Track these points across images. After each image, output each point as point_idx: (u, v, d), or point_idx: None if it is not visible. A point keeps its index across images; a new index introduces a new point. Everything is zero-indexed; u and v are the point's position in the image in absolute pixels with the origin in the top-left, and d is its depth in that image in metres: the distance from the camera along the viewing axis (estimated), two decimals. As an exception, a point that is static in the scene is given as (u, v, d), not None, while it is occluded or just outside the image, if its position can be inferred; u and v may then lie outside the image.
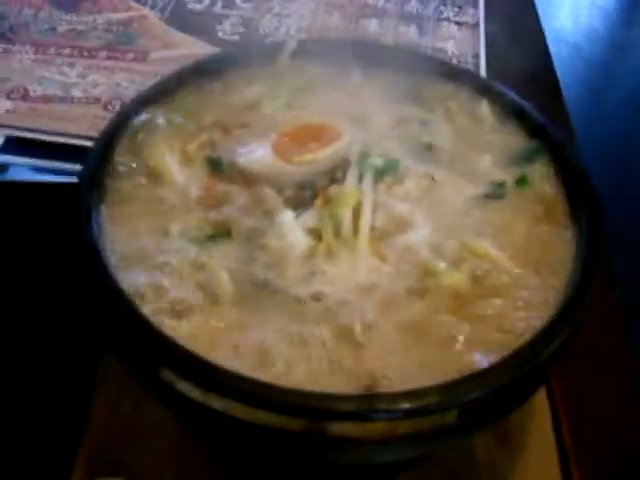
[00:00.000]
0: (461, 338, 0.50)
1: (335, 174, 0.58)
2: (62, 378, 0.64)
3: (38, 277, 0.71)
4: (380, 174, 0.58)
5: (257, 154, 0.59)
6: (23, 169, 0.81)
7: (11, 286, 0.71)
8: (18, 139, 0.83)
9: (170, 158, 0.60)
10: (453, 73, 0.68)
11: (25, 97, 0.88)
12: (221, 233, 0.55)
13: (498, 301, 0.53)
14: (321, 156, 0.59)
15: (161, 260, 0.53)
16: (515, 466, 0.60)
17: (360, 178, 0.57)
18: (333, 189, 0.56)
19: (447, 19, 1.07)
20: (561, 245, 0.56)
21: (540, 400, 0.64)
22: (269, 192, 0.57)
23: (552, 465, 0.61)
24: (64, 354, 0.66)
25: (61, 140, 0.83)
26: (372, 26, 1.03)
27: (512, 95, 0.66)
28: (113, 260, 0.52)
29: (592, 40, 2.19)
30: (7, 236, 0.73)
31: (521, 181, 0.60)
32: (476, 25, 1.07)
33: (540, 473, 0.60)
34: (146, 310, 0.49)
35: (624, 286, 0.77)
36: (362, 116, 0.64)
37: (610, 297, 0.74)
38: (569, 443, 0.63)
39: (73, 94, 0.89)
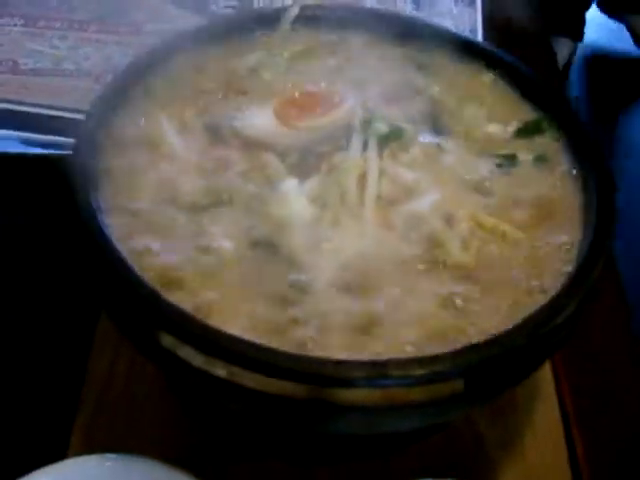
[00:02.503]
0: (470, 306, 0.49)
1: (338, 141, 0.57)
2: (57, 347, 0.63)
3: (30, 248, 0.69)
4: (385, 141, 0.57)
5: (258, 120, 0.58)
6: (14, 142, 0.79)
7: (4, 257, 0.69)
8: (8, 112, 0.81)
9: (168, 124, 0.58)
10: (458, 42, 0.66)
11: (15, 70, 0.86)
12: (222, 200, 0.53)
13: (508, 271, 0.51)
14: (324, 122, 0.58)
15: (160, 227, 0.51)
16: (522, 438, 0.59)
17: (364, 145, 0.56)
18: (338, 156, 0.55)
19: (444, -6, 1.05)
20: (571, 213, 0.55)
21: (545, 375, 0.63)
22: (271, 158, 0.55)
23: (558, 436, 0.60)
24: (59, 324, 0.64)
25: (52, 113, 0.81)
26: (369, 1, 1.01)
27: (519, 64, 0.64)
28: (111, 227, 0.50)
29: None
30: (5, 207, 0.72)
31: (538, 158, 0.59)
32: (473, 1, 1.06)
33: (546, 444, 0.59)
34: (144, 276, 0.47)
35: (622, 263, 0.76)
36: (365, 83, 0.62)
37: (611, 273, 0.73)
38: (572, 415, 0.62)
39: (64, 67, 0.87)
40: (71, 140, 0.74)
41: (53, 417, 0.59)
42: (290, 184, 0.53)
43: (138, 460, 0.52)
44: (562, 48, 2.07)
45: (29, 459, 0.53)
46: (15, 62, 0.86)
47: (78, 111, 0.80)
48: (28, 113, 0.81)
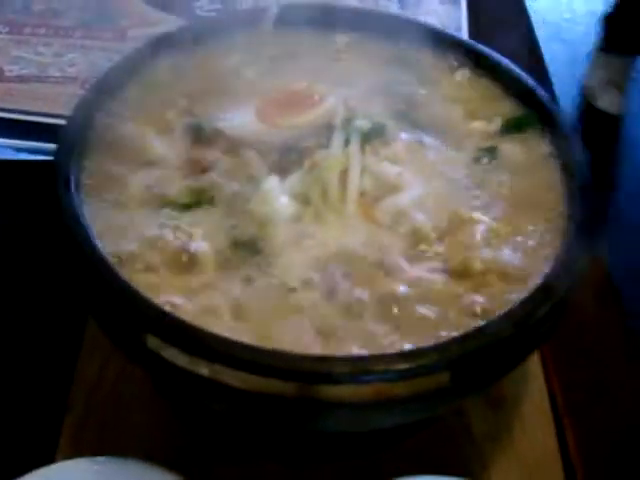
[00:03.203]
0: (458, 300, 0.49)
1: (320, 138, 0.57)
2: (46, 350, 0.63)
3: (16, 253, 0.69)
4: (367, 137, 0.57)
5: (240, 119, 0.58)
6: (0, 149, 0.79)
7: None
8: (-5, 119, 0.81)
9: (150, 126, 0.58)
10: (439, 38, 0.66)
11: (0, 77, 0.86)
12: (204, 200, 0.53)
13: (492, 263, 0.51)
14: (305, 120, 0.58)
15: (143, 229, 0.51)
16: (511, 431, 0.59)
17: (346, 142, 0.56)
18: (319, 153, 0.55)
19: (428, -7, 1.06)
20: (554, 205, 0.55)
21: (534, 366, 0.63)
22: (253, 156, 0.55)
23: (548, 429, 0.60)
24: (48, 327, 0.64)
25: (38, 119, 0.81)
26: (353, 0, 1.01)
27: (502, 60, 0.64)
28: (93, 228, 0.50)
29: (571, 21, 2.18)
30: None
31: (519, 152, 0.59)
32: (457, 0, 1.06)
33: (536, 436, 0.59)
34: (126, 277, 0.47)
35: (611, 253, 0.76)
36: (346, 81, 0.63)
37: (599, 265, 0.73)
38: (562, 408, 0.62)
39: (49, 73, 0.87)
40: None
41: (42, 420, 0.58)
42: (272, 182, 0.53)
43: (127, 462, 0.52)
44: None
45: (18, 462, 0.53)
46: (1, 69, 0.87)
47: (64, 117, 0.80)
48: (14, 120, 0.81)
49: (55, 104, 0.83)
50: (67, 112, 0.79)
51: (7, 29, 0.92)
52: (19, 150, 0.78)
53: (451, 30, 0.99)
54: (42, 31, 0.93)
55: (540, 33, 1.10)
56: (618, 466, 0.61)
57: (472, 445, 0.59)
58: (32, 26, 0.93)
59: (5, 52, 0.89)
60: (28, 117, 0.82)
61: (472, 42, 0.67)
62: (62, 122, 0.78)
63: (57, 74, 0.87)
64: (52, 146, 0.76)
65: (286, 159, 0.55)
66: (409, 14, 1.01)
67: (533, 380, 0.63)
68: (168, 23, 0.94)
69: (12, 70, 0.87)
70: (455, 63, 0.66)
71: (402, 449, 0.57)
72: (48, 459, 0.55)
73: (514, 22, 1.07)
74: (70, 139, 0.55)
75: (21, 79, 0.86)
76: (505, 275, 0.51)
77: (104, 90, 0.59)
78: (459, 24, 1.02)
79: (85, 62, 0.88)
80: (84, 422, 0.58)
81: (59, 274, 0.59)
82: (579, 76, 2.05)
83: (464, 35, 0.99)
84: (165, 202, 0.53)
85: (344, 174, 0.54)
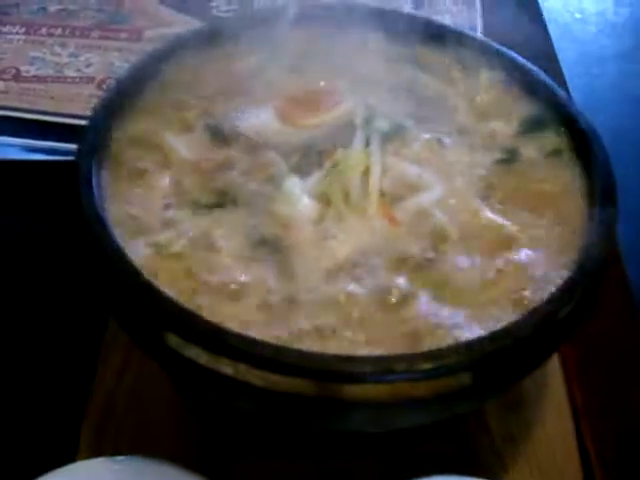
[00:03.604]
0: (479, 298, 0.49)
1: (340, 138, 0.57)
2: (66, 351, 0.63)
3: (36, 253, 0.70)
4: (387, 137, 0.57)
5: (260, 119, 0.58)
6: (16, 149, 0.79)
7: (12, 259, 0.69)
8: (11, 119, 0.82)
9: (171, 127, 0.58)
10: (457, 38, 0.66)
11: (17, 77, 0.86)
12: (225, 200, 0.54)
13: (512, 264, 0.51)
14: (325, 119, 0.58)
15: (164, 228, 0.52)
16: (531, 433, 0.59)
17: (366, 142, 0.56)
18: (340, 153, 0.55)
19: (443, -7, 1.06)
20: (575, 206, 0.55)
21: (553, 367, 0.63)
22: (274, 156, 0.55)
23: (568, 431, 0.60)
24: (68, 328, 0.64)
25: (56, 120, 0.82)
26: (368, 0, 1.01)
27: (520, 60, 0.64)
28: (116, 230, 0.50)
29: (582, 21, 2.17)
30: (7, 213, 0.72)
31: (539, 153, 0.59)
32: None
33: (555, 438, 0.59)
34: (149, 277, 0.47)
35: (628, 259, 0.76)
36: (366, 80, 0.62)
37: (616, 269, 0.73)
38: (581, 410, 0.62)
39: (66, 74, 0.87)
40: (74, 146, 0.76)
41: (62, 421, 0.59)
42: (293, 182, 0.53)
43: (148, 462, 0.52)
44: None
45: (39, 463, 0.53)
46: (17, 70, 0.87)
47: (81, 117, 0.81)
48: (31, 120, 0.82)
49: (72, 104, 0.83)
50: (84, 112, 0.81)
51: (23, 30, 0.93)
52: (37, 150, 0.78)
53: (466, 29, 0.99)
54: (58, 31, 0.93)
55: (551, 32, 1.10)
56: (635, 469, 0.61)
57: (492, 446, 0.58)
58: (48, 27, 0.94)
59: (22, 53, 0.90)
60: (45, 117, 0.82)
61: (490, 42, 0.66)
62: (79, 122, 0.80)
63: (74, 74, 0.87)
64: (70, 146, 0.77)
65: (306, 159, 0.56)
66: (423, 13, 1.01)
67: (553, 382, 0.63)
68: (184, 23, 0.94)
69: (29, 70, 0.87)
70: (474, 63, 0.65)
71: (421, 449, 0.57)
72: (68, 460, 0.55)
73: (528, 21, 1.07)
74: (91, 140, 0.55)
75: (38, 79, 0.86)
76: (525, 276, 0.51)
77: (124, 90, 0.59)
78: (474, 23, 1.02)
79: (101, 62, 0.89)
80: (104, 423, 0.58)
81: (77, 276, 0.60)
82: (590, 75, 2.05)
83: (479, 34, 0.99)
84: (186, 202, 0.53)
85: (364, 174, 0.54)
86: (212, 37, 0.64)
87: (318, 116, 0.58)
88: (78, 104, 0.83)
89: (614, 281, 0.70)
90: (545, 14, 1.18)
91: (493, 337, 0.46)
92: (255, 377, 0.43)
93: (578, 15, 2.19)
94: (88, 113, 0.77)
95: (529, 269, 0.51)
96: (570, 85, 0.92)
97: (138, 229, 0.51)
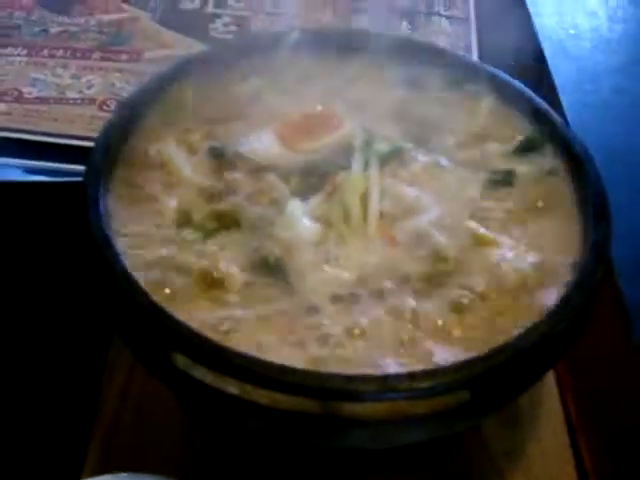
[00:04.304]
0: (474, 319, 0.50)
1: (339, 161, 0.58)
2: (70, 369, 0.64)
3: (39, 273, 0.71)
4: (385, 160, 0.58)
5: (261, 143, 0.59)
6: (17, 170, 0.80)
7: (15, 280, 0.70)
8: (14, 141, 0.83)
9: (173, 149, 0.59)
10: (452, 61, 0.68)
11: (19, 99, 0.87)
12: (227, 223, 0.55)
13: (510, 283, 0.53)
14: (325, 143, 0.59)
15: (167, 249, 0.53)
16: (528, 449, 0.60)
17: (365, 164, 0.57)
18: (340, 176, 0.56)
19: (437, 13, 1.07)
20: (570, 228, 0.56)
21: (549, 385, 0.64)
22: (275, 180, 0.57)
23: (564, 446, 0.61)
24: (73, 346, 0.65)
25: (58, 141, 0.83)
26: (363, 22, 1.03)
27: (515, 83, 0.66)
28: (121, 250, 0.51)
29: (576, 37, 2.19)
30: (10, 234, 0.73)
31: (536, 174, 0.61)
32: (467, 19, 1.07)
33: (551, 453, 0.60)
34: (155, 299, 0.48)
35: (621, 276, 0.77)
36: (364, 104, 0.64)
37: (610, 286, 0.75)
38: (577, 426, 0.63)
39: (68, 95, 0.88)
40: (76, 167, 0.77)
41: (67, 440, 0.59)
42: (294, 205, 0.55)
43: (153, 479, 0.53)
44: None
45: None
46: (20, 91, 0.88)
47: (83, 138, 0.82)
48: (33, 141, 0.83)
49: (74, 125, 0.84)
50: (86, 133, 0.82)
51: (25, 51, 0.94)
52: (39, 172, 0.80)
53: (461, 50, 1.01)
54: (59, 53, 0.94)
55: (545, 49, 1.12)
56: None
57: (488, 462, 0.60)
58: (49, 48, 0.95)
59: (23, 74, 0.91)
60: (48, 138, 0.83)
61: (485, 65, 0.68)
62: (82, 143, 0.81)
63: (75, 96, 0.88)
64: (72, 167, 0.78)
65: (307, 182, 0.57)
66: (419, 34, 1.02)
67: (548, 398, 0.64)
68: (183, 45, 0.96)
69: (31, 92, 0.88)
70: (469, 85, 0.67)
71: (419, 464, 0.59)
72: (74, 477, 0.56)
73: (523, 41, 1.08)
74: (97, 162, 0.56)
75: (40, 101, 0.87)
76: (521, 293, 0.52)
77: (128, 114, 0.60)
78: (469, 44, 1.03)
79: (103, 84, 0.90)
80: (109, 442, 0.59)
81: (80, 297, 0.61)
82: (584, 91, 2.07)
83: (474, 54, 1.01)
84: (189, 225, 0.54)
85: (364, 196, 0.55)
86: (214, 61, 0.66)
87: (318, 140, 0.59)
88: (80, 125, 0.84)
89: (609, 297, 0.71)
90: (540, 30, 1.19)
91: (489, 355, 0.47)
92: (260, 396, 0.44)
93: (572, 31, 2.21)
94: (90, 134, 0.80)
95: (526, 286, 0.52)
96: (564, 101, 0.93)
97: (140, 249, 0.52)
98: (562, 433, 0.62)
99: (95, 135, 0.59)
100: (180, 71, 0.64)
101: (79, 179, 0.56)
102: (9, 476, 0.58)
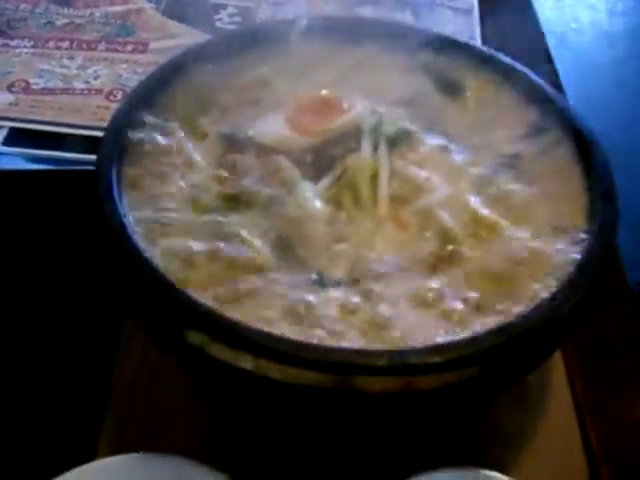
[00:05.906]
0: (484, 298, 0.51)
1: (349, 144, 0.59)
2: (83, 352, 0.64)
3: (51, 258, 0.71)
4: (393, 142, 0.59)
5: (271, 127, 0.60)
6: (28, 160, 0.81)
7: (27, 267, 0.71)
8: (22, 131, 0.83)
9: (184, 135, 0.60)
10: (460, 48, 0.68)
11: (27, 90, 0.88)
12: (240, 205, 0.55)
13: (518, 265, 0.53)
14: (334, 126, 0.60)
15: (182, 231, 0.53)
16: (536, 427, 0.61)
17: (374, 147, 0.58)
18: (349, 158, 0.57)
19: (442, 4, 1.08)
20: (576, 208, 0.57)
21: (557, 366, 0.65)
22: (285, 162, 0.57)
23: (572, 427, 0.61)
24: (85, 331, 0.66)
25: (65, 131, 0.83)
26: (367, 13, 1.03)
27: (523, 69, 0.66)
28: (135, 231, 0.52)
29: (577, 31, 2.19)
30: (17, 222, 0.74)
31: (542, 158, 0.61)
32: (470, 10, 1.08)
33: (560, 434, 0.61)
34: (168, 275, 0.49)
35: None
36: (372, 89, 0.64)
37: (617, 270, 0.75)
38: (584, 406, 0.64)
39: (75, 86, 0.89)
40: (83, 156, 0.78)
41: (81, 420, 0.60)
42: (305, 186, 0.55)
43: (170, 460, 0.53)
44: None
45: (58, 462, 0.54)
46: (27, 82, 0.89)
47: (90, 127, 0.83)
48: (41, 131, 0.83)
49: (82, 115, 0.85)
50: (93, 123, 0.82)
51: (31, 43, 0.95)
52: (46, 161, 0.80)
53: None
54: (65, 45, 0.95)
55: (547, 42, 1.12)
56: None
57: (499, 438, 0.60)
58: (56, 40, 0.95)
59: (30, 66, 0.91)
60: (55, 128, 0.84)
61: (495, 52, 0.68)
62: (88, 132, 0.82)
63: (82, 86, 0.89)
64: (79, 156, 0.79)
65: (318, 165, 0.58)
66: (423, 24, 1.03)
67: (556, 378, 0.64)
68: (189, 35, 0.97)
69: (38, 83, 0.89)
70: (477, 72, 0.67)
71: (430, 443, 0.59)
72: (88, 457, 0.56)
73: (527, 31, 1.09)
74: (110, 148, 0.57)
75: (47, 91, 0.88)
76: (529, 273, 0.53)
77: (139, 100, 0.61)
78: (473, 34, 1.04)
79: (109, 74, 0.90)
80: (123, 422, 0.59)
81: (95, 277, 0.61)
82: (586, 84, 2.07)
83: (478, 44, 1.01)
84: (204, 207, 0.55)
85: (373, 178, 0.56)
86: (223, 48, 0.66)
87: (327, 123, 0.60)
88: (87, 115, 0.85)
89: (616, 281, 0.72)
90: (542, 24, 1.20)
91: (498, 331, 0.48)
92: (274, 372, 0.45)
93: (574, 25, 2.22)
94: (97, 124, 0.81)
95: (535, 265, 0.53)
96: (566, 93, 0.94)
97: (157, 232, 0.53)
98: (570, 412, 0.63)
99: (102, 124, 0.60)
100: (188, 58, 0.64)
101: (87, 167, 0.56)
102: (22, 456, 0.59)
